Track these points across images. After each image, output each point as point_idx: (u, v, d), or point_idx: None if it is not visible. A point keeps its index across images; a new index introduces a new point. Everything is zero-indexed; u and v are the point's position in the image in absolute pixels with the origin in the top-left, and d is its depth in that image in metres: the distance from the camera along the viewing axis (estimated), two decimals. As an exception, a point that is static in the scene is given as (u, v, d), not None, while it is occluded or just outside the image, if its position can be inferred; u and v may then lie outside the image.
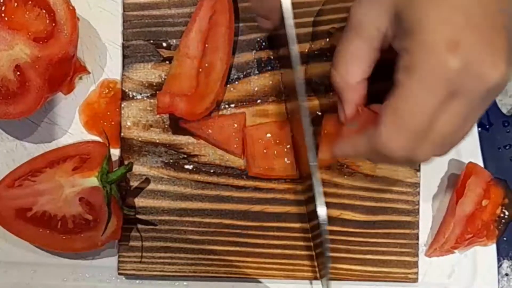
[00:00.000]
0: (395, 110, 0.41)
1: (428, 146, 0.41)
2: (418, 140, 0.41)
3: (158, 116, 0.55)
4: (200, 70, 0.53)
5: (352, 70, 0.45)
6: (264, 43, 0.55)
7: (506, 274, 0.57)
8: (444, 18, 0.39)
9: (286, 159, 0.54)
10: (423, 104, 0.40)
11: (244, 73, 0.55)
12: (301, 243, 0.55)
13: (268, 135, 0.54)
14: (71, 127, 0.56)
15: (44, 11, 0.52)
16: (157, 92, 0.54)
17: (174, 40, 0.55)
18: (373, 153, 0.43)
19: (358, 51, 0.45)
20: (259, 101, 0.55)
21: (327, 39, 0.55)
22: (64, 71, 0.53)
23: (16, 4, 0.52)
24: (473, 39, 0.39)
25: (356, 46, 0.44)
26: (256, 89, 0.55)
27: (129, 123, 0.55)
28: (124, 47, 0.55)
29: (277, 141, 0.54)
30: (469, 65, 0.39)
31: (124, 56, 0.55)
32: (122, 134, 0.55)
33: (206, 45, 0.53)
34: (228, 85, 0.55)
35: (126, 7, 0.55)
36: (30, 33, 0.52)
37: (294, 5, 0.48)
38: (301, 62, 0.52)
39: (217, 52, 0.53)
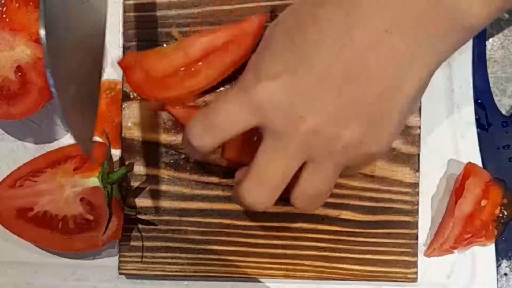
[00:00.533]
0: (255, 165, 0.42)
1: (306, 199, 0.44)
2: (276, 192, 0.42)
3: (158, 116, 0.55)
4: (184, 69, 0.52)
5: (214, 142, 0.43)
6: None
7: (505, 274, 0.57)
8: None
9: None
10: (279, 165, 0.41)
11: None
12: (301, 243, 0.55)
13: None
14: (72, 128, 0.57)
15: (45, 12, 0.52)
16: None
17: (174, 41, 0.55)
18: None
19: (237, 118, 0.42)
20: None
21: None
22: (65, 72, 0.53)
23: (17, 5, 0.52)
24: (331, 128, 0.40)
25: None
26: None
27: (129, 124, 0.55)
28: (124, 48, 0.55)
29: None
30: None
31: (125, 57, 0.55)
32: (123, 134, 0.55)
33: (207, 57, 0.52)
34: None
35: (126, 8, 0.55)
36: (31, 34, 0.52)
37: None
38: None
39: (209, 70, 0.51)
